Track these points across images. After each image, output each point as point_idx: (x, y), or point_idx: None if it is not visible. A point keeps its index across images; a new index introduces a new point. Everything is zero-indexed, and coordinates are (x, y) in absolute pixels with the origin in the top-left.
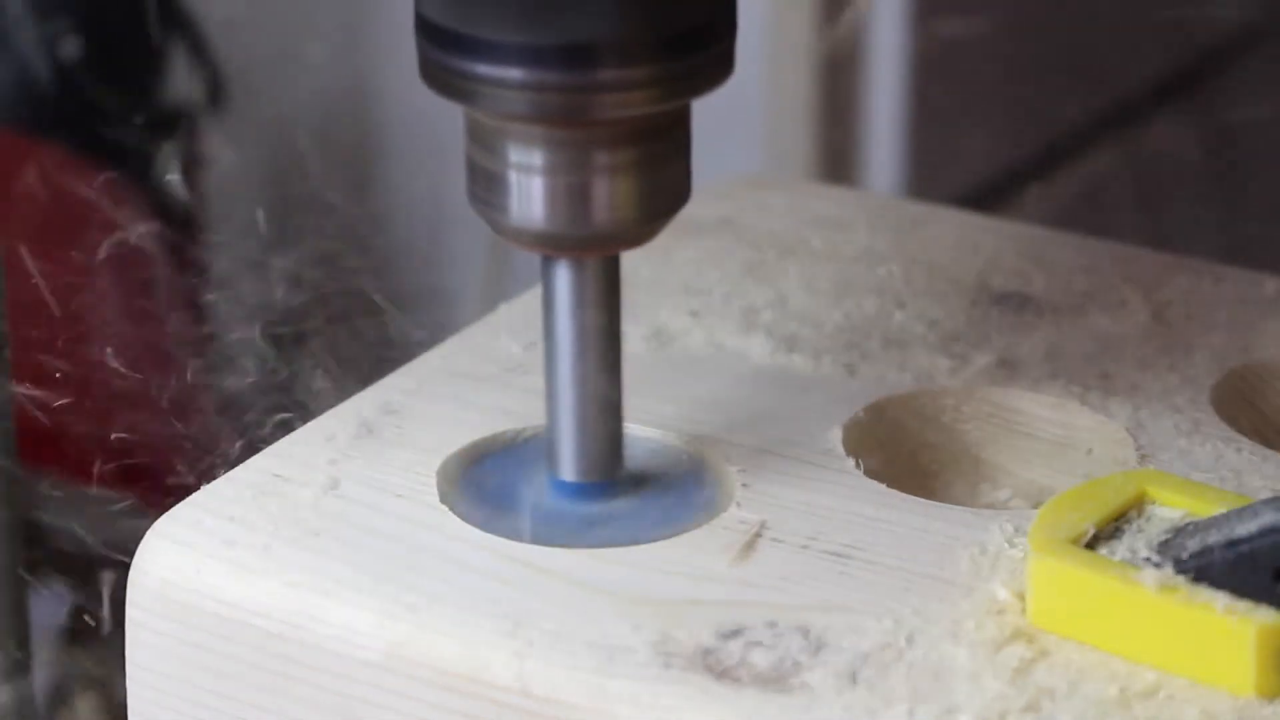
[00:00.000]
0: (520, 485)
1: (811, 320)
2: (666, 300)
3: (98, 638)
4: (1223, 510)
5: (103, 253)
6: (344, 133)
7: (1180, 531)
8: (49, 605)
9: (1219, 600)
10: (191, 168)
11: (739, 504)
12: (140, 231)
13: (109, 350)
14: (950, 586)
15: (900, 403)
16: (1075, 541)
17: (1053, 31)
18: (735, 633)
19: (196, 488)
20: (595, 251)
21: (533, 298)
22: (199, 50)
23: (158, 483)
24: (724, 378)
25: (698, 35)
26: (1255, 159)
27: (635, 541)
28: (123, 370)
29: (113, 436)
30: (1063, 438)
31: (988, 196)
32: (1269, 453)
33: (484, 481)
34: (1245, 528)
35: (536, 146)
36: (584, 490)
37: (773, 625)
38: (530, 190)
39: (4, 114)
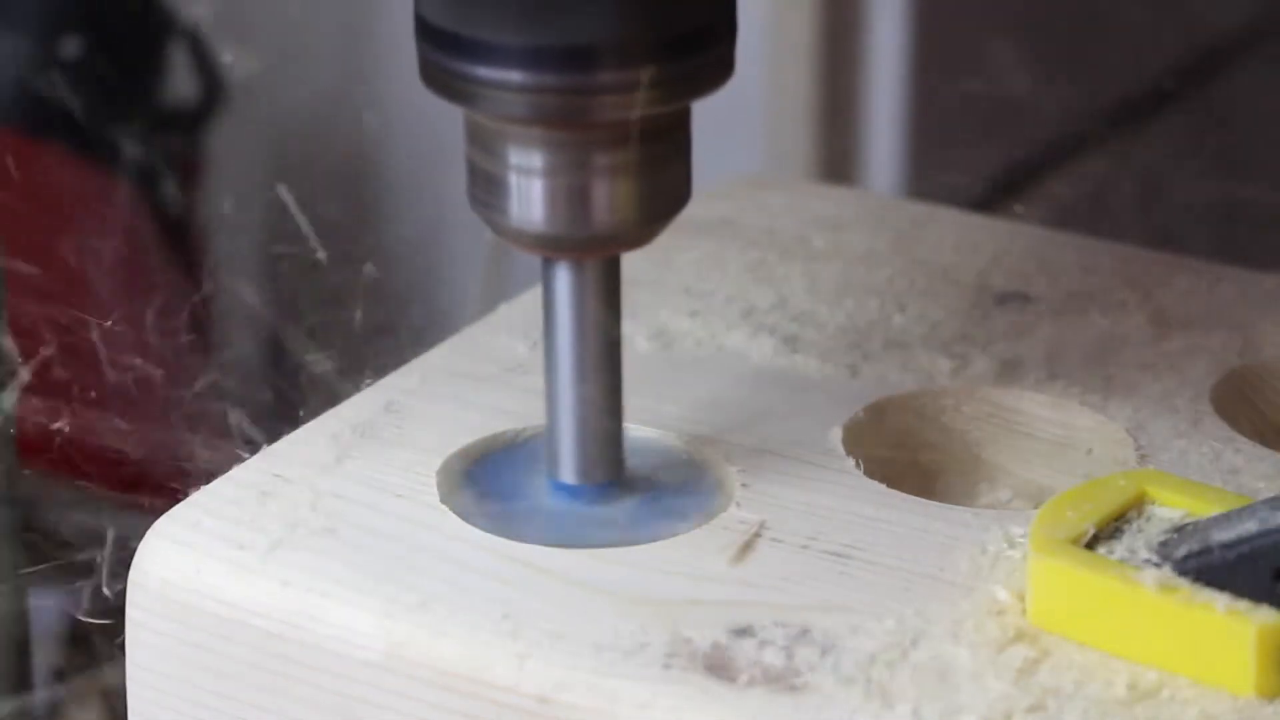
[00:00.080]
0: (520, 485)
1: (812, 320)
2: (667, 300)
3: (97, 637)
4: (1223, 510)
5: (102, 252)
6: (344, 133)
7: (1180, 531)
8: (49, 605)
9: (1219, 600)
10: (191, 168)
11: (739, 504)
12: (139, 231)
13: (109, 350)
14: (950, 587)
15: (900, 403)
16: (1075, 541)
17: (1053, 31)
18: (735, 633)
19: (196, 488)
20: (595, 253)
21: (533, 298)
22: (199, 50)
23: (158, 483)
24: (724, 378)
25: (698, 37)
26: (1255, 159)
27: (635, 542)
28: (120, 369)
29: (113, 437)
30: (1063, 438)
31: (988, 196)
32: (1269, 453)
33: (484, 481)
34: (1245, 528)
35: (536, 148)
36: (584, 491)
37: (773, 625)
38: (530, 192)
39: (4, 114)
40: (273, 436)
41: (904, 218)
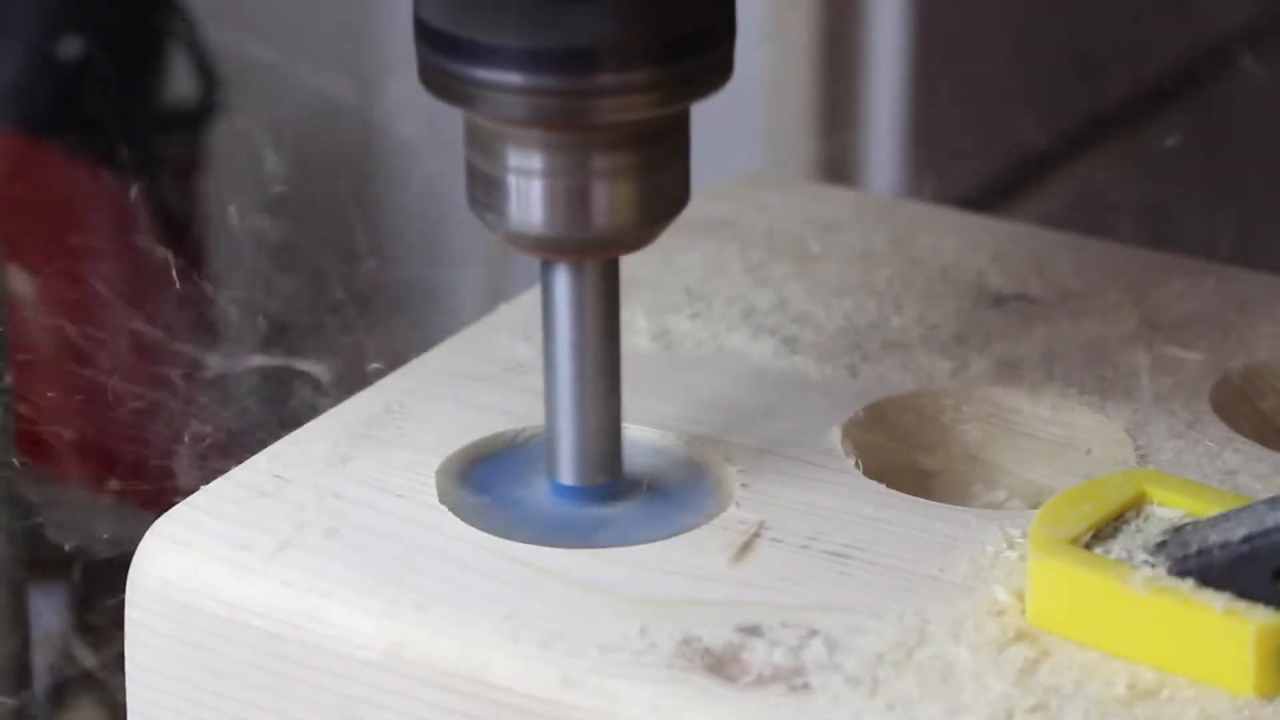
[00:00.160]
0: (520, 485)
1: (811, 320)
2: (667, 301)
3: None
4: (1222, 510)
5: (101, 252)
6: (344, 133)
7: (1180, 532)
8: (49, 605)
9: (1219, 600)
10: (190, 168)
11: (738, 504)
12: (139, 231)
13: (109, 350)
14: (950, 587)
15: (900, 403)
16: (1075, 542)
17: (1053, 31)
18: (736, 633)
19: (195, 488)
20: (594, 255)
21: (533, 298)
22: (198, 50)
23: (157, 483)
24: (724, 378)
25: (697, 39)
26: (1255, 159)
27: (635, 542)
28: (121, 370)
29: (113, 436)
30: (1062, 438)
31: (988, 196)
32: (1267, 453)
33: (484, 482)
34: (1245, 528)
35: (536, 150)
36: (583, 492)
37: (772, 625)
38: (529, 194)
39: (4, 114)
40: (272, 437)
41: (904, 218)
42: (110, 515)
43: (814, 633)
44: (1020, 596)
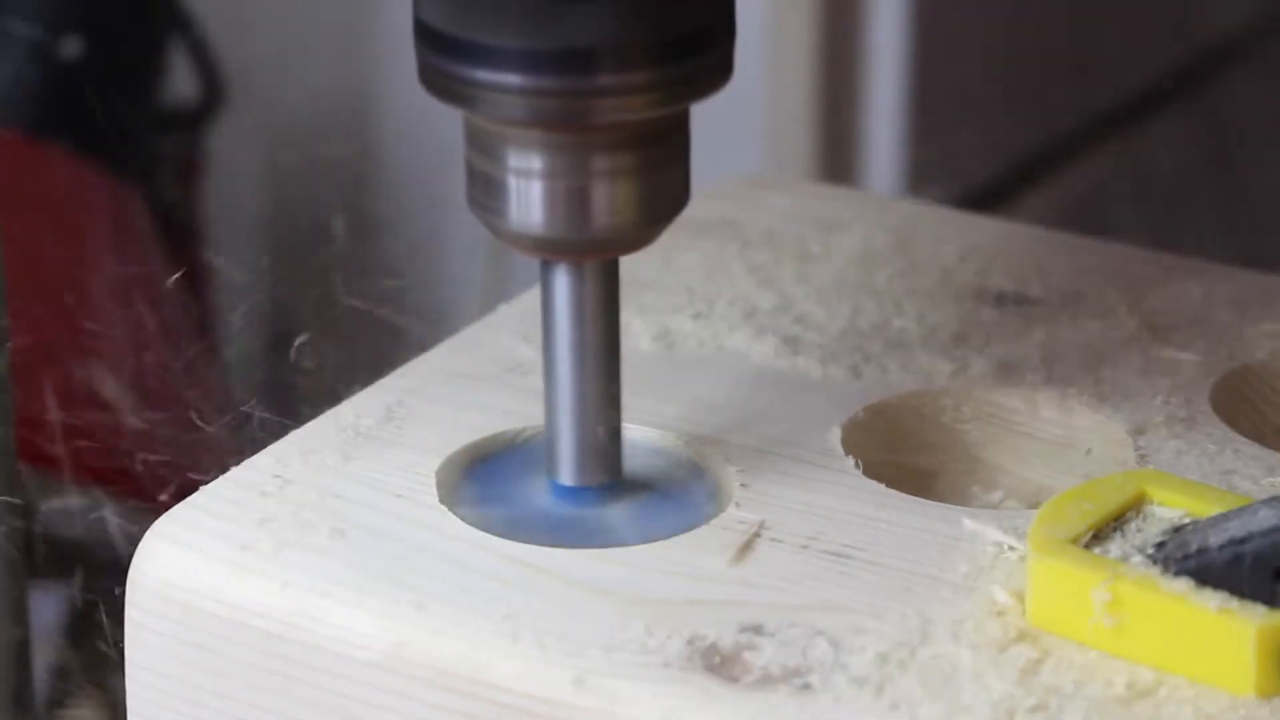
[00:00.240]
0: (520, 486)
1: (811, 320)
2: (666, 301)
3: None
4: (1222, 510)
5: (102, 251)
6: (344, 134)
7: (1179, 531)
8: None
9: (1218, 600)
10: (191, 168)
11: (738, 504)
12: (139, 231)
13: (109, 349)
14: (950, 587)
15: (900, 403)
16: (1074, 541)
17: (1053, 31)
18: (735, 633)
19: (195, 488)
20: (594, 256)
21: (533, 298)
22: (199, 50)
23: (157, 482)
24: (724, 378)
25: (697, 40)
26: (1255, 159)
27: (635, 542)
28: (121, 369)
29: (113, 436)
30: (1062, 438)
31: (988, 196)
32: (1267, 453)
33: (484, 482)
34: (1245, 528)
35: (535, 151)
36: (583, 492)
37: (773, 625)
38: (529, 195)
39: (4, 114)
40: (273, 436)
41: (904, 218)
42: (110, 515)
43: (815, 633)
44: (1020, 596)
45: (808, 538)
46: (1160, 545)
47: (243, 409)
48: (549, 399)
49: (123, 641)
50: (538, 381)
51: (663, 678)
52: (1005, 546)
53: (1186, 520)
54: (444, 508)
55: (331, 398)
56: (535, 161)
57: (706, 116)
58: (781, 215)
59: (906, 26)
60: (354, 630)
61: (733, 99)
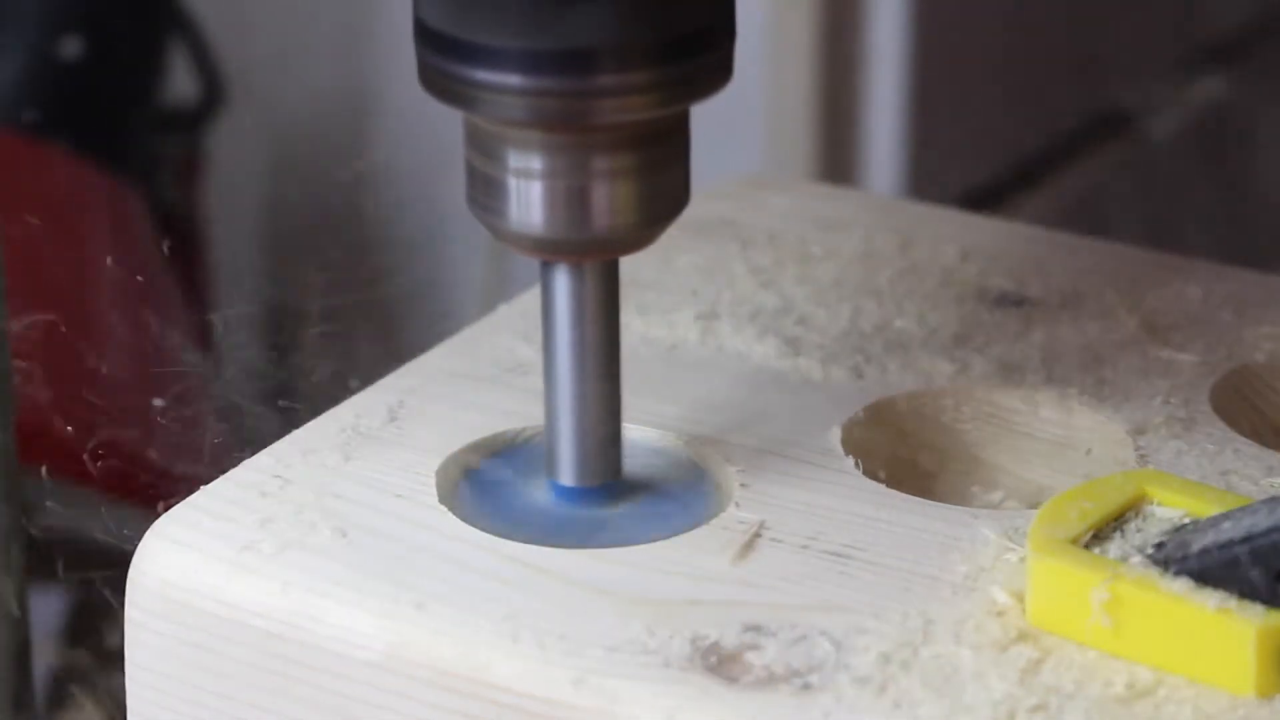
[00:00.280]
0: (520, 486)
1: (811, 321)
2: (666, 301)
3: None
4: (1222, 510)
5: (101, 251)
6: (344, 134)
7: (1180, 531)
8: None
9: (1217, 600)
10: (191, 168)
11: (738, 504)
12: (139, 231)
13: (108, 349)
14: (950, 587)
15: (900, 403)
16: (1075, 541)
17: (1053, 31)
18: (735, 633)
19: (196, 488)
20: (594, 256)
21: (533, 298)
22: (199, 50)
23: (158, 482)
24: (724, 378)
25: (697, 40)
26: (1255, 159)
27: (635, 542)
28: (122, 369)
29: (113, 436)
30: (1062, 438)
31: (988, 196)
32: (1267, 453)
33: (484, 482)
34: (1245, 528)
35: (536, 151)
36: (583, 492)
37: (773, 625)
38: (529, 195)
39: (4, 114)
40: (272, 437)
41: (904, 218)
42: (110, 515)
43: (815, 633)
44: (1020, 597)
45: (808, 538)
46: (1160, 545)
47: (242, 409)
48: (549, 399)
49: (122, 641)
50: (538, 381)
51: (663, 678)
52: (1005, 547)
53: (1186, 520)
54: (444, 508)
55: (331, 398)
56: (535, 162)
57: (706, 116)
58: (782, 215)
59: (906, 26)
60: (354, 630)
61: (733, 99)
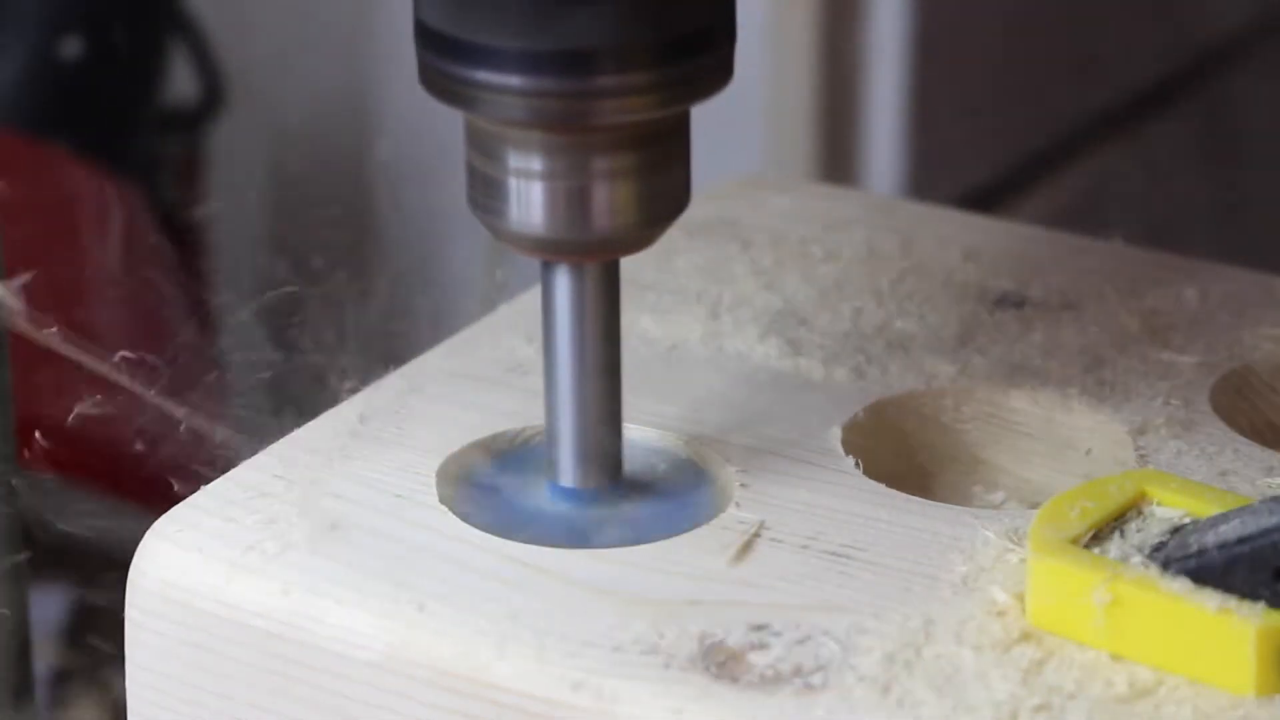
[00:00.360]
0: (520, 486)
1: (811, 321)
2: (666, 301)
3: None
4: (1222, 510)
5: (101, 252)
6: (344, 134)
7: (1180, 531)
8: (49, 605)
9: (1217, 600)
10: (190, 168)
11: (738, 504)
12: (139, 231)
13: (109, 349)
14: (950, 587)
15: (900, 403)
16: (1075, 541)
17: (1053, 31)
18: (737, 633)
19: (196, 488)
20: (595, 257)
21: (533, 298)
22: (199, 50)
23: (158, 482)
24: (724, 378)
25: (697, 41)
26: (1255, 159)
27: (635, 542)
28: (122, 369)
29: (113, 436)
30: (1062, 438)
31: (988, 196)
32: (1267, 453)
33: (484, 482)
34: (1245, 528)
35: (536, 152)
36: (583, 492)
37: (773, 625)
38: (530, 196)
39: (4, 114)
40: (272, 437)
41: (904, 218)
42: (111, 515)
43: (816, 632)
44: (1020, 596)
45: (808, 538)
46: (1160, 545)
47: (242, 409)
48: (549, 400)
49: (122, 641)
50: (538, 381)
51: (663, 678)
52: (1006, 546)
53: (1186, 520)
54: (444, 508)
55: (331, 398)
56: (536, 162)
57: (706, 116)
58: (782, 215)
59: (906, 26)
60: (354, 630)
61: (733, 99)
